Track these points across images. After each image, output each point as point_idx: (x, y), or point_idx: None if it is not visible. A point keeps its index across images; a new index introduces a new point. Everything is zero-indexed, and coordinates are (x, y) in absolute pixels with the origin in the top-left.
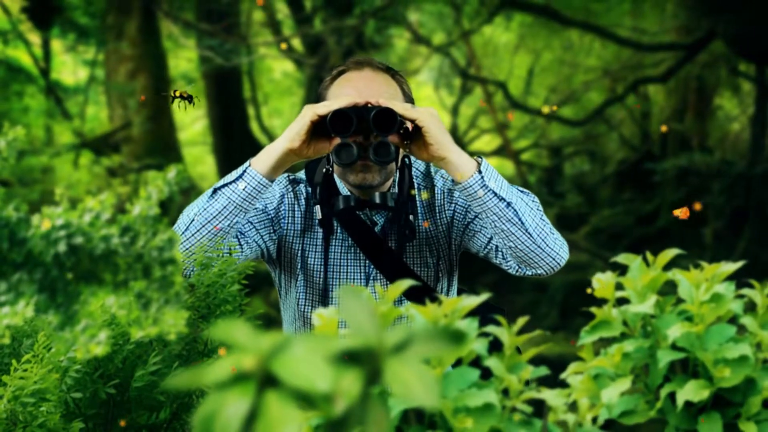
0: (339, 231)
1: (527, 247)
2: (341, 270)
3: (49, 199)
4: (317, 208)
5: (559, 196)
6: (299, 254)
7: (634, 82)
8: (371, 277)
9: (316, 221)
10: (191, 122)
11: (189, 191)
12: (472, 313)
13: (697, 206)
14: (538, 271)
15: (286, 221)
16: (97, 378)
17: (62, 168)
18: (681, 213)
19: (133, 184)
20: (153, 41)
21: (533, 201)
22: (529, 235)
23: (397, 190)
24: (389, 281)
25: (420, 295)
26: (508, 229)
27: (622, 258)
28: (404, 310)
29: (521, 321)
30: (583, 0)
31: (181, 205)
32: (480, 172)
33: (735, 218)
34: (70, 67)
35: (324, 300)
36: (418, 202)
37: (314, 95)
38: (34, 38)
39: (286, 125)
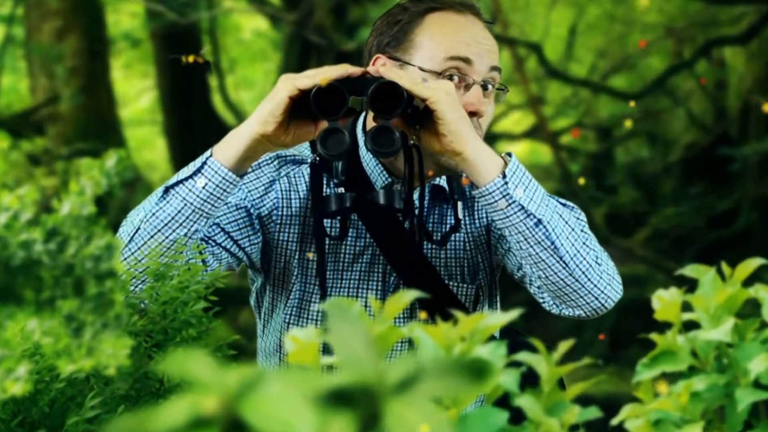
0: (352, 229)
1: (561, 280)
2: (347, 281)
3: None
4: (334, 192)
5: (610, 191)
6: (297, 263)
7: (705, 43)
8: (390, 290)
9: (319, 216)
10: (136, 95)
11: (134, 184)
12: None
13: None
14: (577, 312)
15: (279, 218)
16: (16, 426)
17: None
18: None
19: (62, 174)
20: None
21: (577, 219)
22: (565, 264)
23: (403, 184)
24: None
25: (439, 307)
26: (537, 254)
27: (690, 270)
28: (408, 331)
29: (563, 346)
30: None
31: (124, 203)
32: (504, 175)
33: None
34: None
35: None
36: (457, 194)
37: (294, 59)
38: None
39: (258, 99)
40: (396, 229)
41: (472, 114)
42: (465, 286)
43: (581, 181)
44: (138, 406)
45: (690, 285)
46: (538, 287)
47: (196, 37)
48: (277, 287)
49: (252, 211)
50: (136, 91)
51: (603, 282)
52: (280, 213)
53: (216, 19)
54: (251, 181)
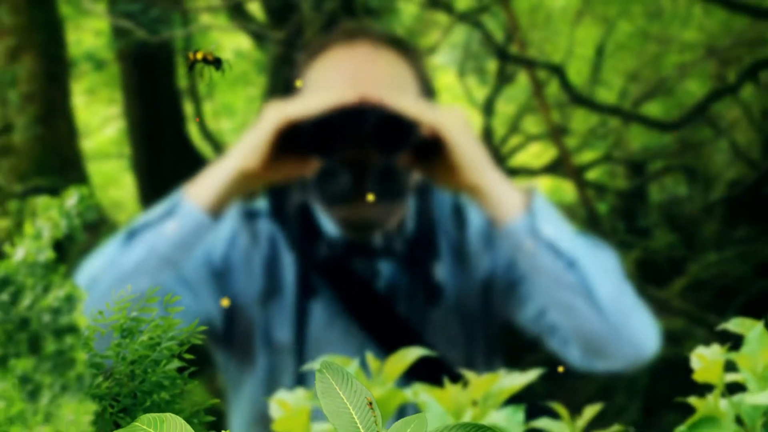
0: (320, 290)
1: (597, 329)
2: (323, 349)
3: None
4: (294, 255)
5: (643, 234)
6: (260, 326)
7: (752, 65)
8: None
9: (285, 275)
10: (100, 125)
11: (98, 226)
12: (515, 400)
13: None
14: (612, 365)
15: (240, 276)
16: None
17: None
18: None
19: (15, 215)
20: (44, 6)
21: (610, 258)
22: (601, 311)
23: (413, 227)
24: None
25: (436, 372)
26: (570, 301)
27: (734, 324)
28: (412, 394)
29: (590, 411)
30: None
31: (86, 248)
32: (530, 210)
33: None
34: None
35: None
36: (443, 245)
37: (282, 84)
38: None
39: (240, 129)
40: (372, 292)
41: (363, 101)
42: (453, 348)
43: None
44: None
45: (734, 341)
46: (564, 339)
47: (169, 58)
48: (239, 361)
49: (216, 265)
50: (100, 120)
51: (641, 330)
52: (239, 270)
53: (192, 38)
54: (214, 235)
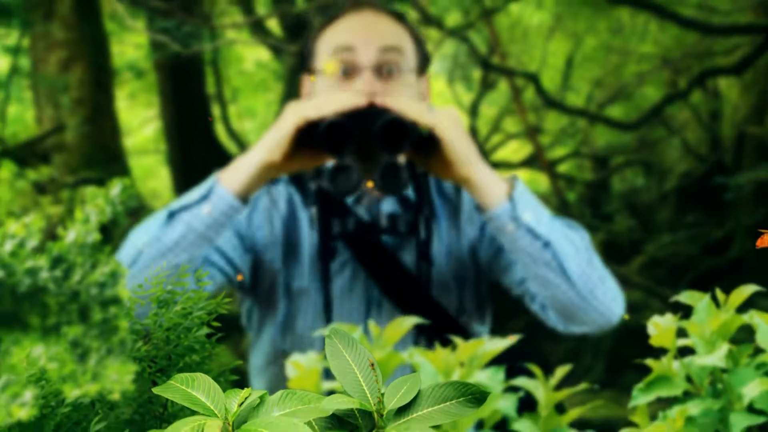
0: (334, 248)
1: (569, 298)
2: (341, 300)
3: None
4: (310, 211)
5: (606, 219)
6: (281, 279)
7: (700, 74)
8: (376, 308)
9: (303, 235)
10: (140, 125)
11: (138, 212)
12: (496, 361)
13: None
14: (585, 329)
15: (262, 234)
16: None
17: None
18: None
19: (67, 203)
20: (92, 22)
21: (582, 238)
22: (572, 284)
23: (412, 194)
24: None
25: (439, 331)
26: (545, 275)
27: (685, 297)
28: (408, 356)
29: (560, 371)
30: None
31: (128, 231)
32: (512, 199)
33: None
34: None
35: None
36: (441, 218)
37: (296, 90)
38: None
39: (260, 129)
40: (385, 252)
41: (371, 105)
42: (448, 301)
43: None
44: (142, 431)
45: (685, 311)
46: (543, 306)
47: (199, 68)
48: (263, 307)
49: (241, 229)
50: (140, 121)
51: (608, 299)
52: (262, 228)
53: (219, 51)
54: None
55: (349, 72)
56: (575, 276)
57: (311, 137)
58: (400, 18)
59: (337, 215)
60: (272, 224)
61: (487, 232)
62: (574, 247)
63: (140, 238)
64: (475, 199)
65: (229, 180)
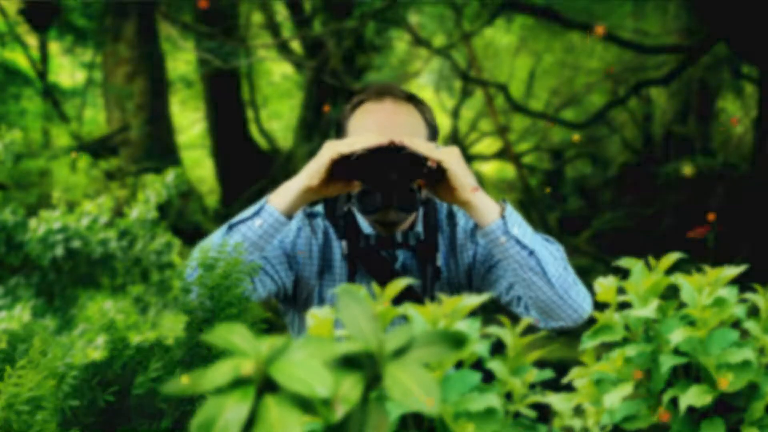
0: (359, 268)
1: (549, 298)
2: None
3: (47, 202)
4: (341, 243)
5: (561, 200)
6: (316, 293)
7: (636, 84)
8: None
9: (335, 258)
10: (190, 125)
11: (188, 195)
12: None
13: (711, 216)
14: (561, 323)
15: (303, 257)
16: (96, 385)
17: (60, 171)
18: (698, 233)
19: (131, 187)
20: (151, 43)
21: (558, 250)
22: (551, 285)
23: (421, 229)
24: None
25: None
26: (530, 278)
27: (624, 262)
28: (403, 309)
29: (525, 321)
30: (585, 1)
31: (180, 209)
32: (503, 217)
33: (738, 222)
34: (68, 70)
35: None
36: (441, 241)
37: (315, 103)
38: (32, 40)
39: (286, 128)
40: (393, 270)
41: (391, 143)
42: None
43: (547, 190)
44: (191, 369)
45: (624, 274)
46: (526, 306)
47: (236, 79)
48: (302, 316)
49: (287, 249)
50: (189, 122)
51: (580, 298)
52: (304, 254)
53: (252, 65)
54: (286, 228)
55: None
56: (554, 279)
57: (343, 168)
58: (415, 104)
59: (361, 251)
60: (311, 249)
61: (479, 256)
62: (553, 256)
63: (204, 246)
64: (474, 218)
65: (276, 200)
